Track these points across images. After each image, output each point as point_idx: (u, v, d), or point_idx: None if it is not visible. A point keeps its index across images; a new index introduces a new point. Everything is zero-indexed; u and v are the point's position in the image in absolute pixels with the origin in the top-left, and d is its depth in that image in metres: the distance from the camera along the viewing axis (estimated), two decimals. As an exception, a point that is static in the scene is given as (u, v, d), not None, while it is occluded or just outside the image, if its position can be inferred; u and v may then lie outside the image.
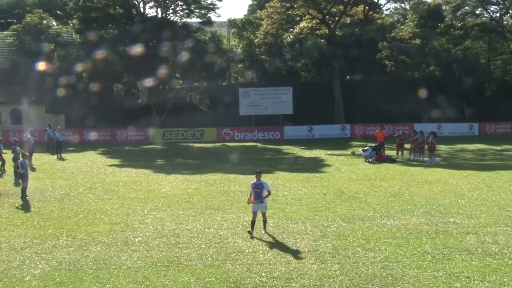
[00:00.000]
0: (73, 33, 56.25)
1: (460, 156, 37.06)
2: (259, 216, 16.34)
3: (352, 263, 13.59)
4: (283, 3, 53.66)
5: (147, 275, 12.93)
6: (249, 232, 16.07)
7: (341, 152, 39.07)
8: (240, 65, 62.79)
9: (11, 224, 17.86)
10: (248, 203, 16.90)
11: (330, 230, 16.64)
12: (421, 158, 33.44)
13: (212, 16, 56.61)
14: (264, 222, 16.37)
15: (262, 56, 60.69)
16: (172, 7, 55.28)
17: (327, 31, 56.26)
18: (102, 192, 23.50)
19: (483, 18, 62.54)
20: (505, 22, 61.90)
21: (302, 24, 55.43)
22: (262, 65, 60.40)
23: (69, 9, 55.78)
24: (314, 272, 12.94)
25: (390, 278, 12.56)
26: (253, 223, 16.18)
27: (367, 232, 16.41)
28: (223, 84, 63.21)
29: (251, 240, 15.63)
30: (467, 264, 13.38)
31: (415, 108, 55.40)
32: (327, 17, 55.42)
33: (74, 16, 55.50)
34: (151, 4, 56.15)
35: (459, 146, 42.71)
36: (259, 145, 46.84)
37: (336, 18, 55.93)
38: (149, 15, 56.88)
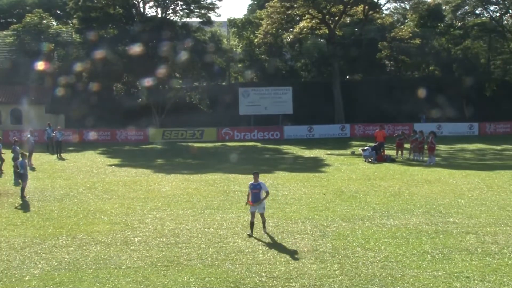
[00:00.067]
0: (73, 33, 56.22)
1: (460, 156, 37.06)
2: (258, 216, 16.33)
3: (352, 263, 13.59)
4: (283, 3, 53.64)
5: (147, 274, 12.93)
6: (249, 235, 15.99)
7: (341, 152, 39.07)
8: (240, 65, 62.79)
9: (11, 224, 17.86)
10: (246, 204, 16.87)
11: (330, 230, 16.65)
12: (421, 158, 33.44)
13: (212, 16, 56.73)
14: (263, 222, 16.34)
15: (262, 56, 60.69)
16: (172, 7, 55.26)
17: (327, 31, 56.24)
18: (102, 192, 23.50)
19: (483, 18, 62.56)
20: (505, 21, 61.91)
21: (302, 24, 55.41)
22: (262, 65, 60.40)
23: (69, 9, 55.78)
24: (313, 272, 12.94)
25: (390, 278, 12.56)
26: (252, 224, 16.15)
27: (366, 232, 16.41)
28: (223, 84, 63.20)
29: (250, 240, 15.63)
30: (467, 264, 13.39)
31: (415, 108, 55.43)
32: (327, 17, 55.40)
33: (74, 16, 55.48)
34: (151, 4, 56.19)
35: (459, 146, 42.71)
36: (259, 145, 46.84)
37: (336, 18, 55.91)
38: (149, 15, 56.90)
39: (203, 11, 55.43)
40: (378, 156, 33.15)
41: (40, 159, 34.81)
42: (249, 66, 61.56)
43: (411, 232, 16.32)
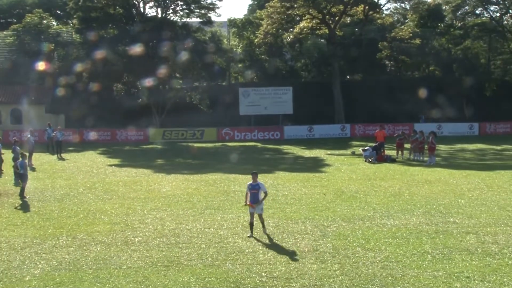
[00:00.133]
0: (73, 33, 56.24)
1: (460, 156, 37.06)
2: (257, 217, 16.29)
3: (352, 263, 13.58)
4: (283, 3, 53.63)
5: (147, 275, 12.93)
6: (249, 236, 15.94)
7: (341, 152, 39.07)
8: (240, 65, 62.77)
9: (11, 224, 17.86)
10: (244, 205, 16.83)
11: (330, 230, 16.64)
12: (421, 158, 33.45)
13: (212, 16, 56.71)
14: (262, 223, 16.26)
15: (262, 56, 60.68)
16: (172, 7, 55.25)
17: (327, 31, 56.23)
18: (102, 192, 23.50)
19: (483, 18, 62.54)
20: (505, 22, 61.89)
21: (302, 24, 55.40)
22: (262, 65, 60.38)
23: (69, 9, 55.76)
24: (314, 272, 12.94)
25: (390, 278, 12.56)
26: (251, 224, 16.11)
27: (367, 232, 16.41)
28: (223, 84, 63.18)
29: (251, 240, 15.62)
30: (467, 264, 13.39)
31: (415, 108, 55.40)
32: (327, 17, 55.39)
33: (74, 16, 55.47)
34: (151, 4, 56.20)
35: (459, 146, 42.71)
36: (259, 145, 46.83)
37: (336, 18, 55.91)
38: (149, 15, 56.90)
39: (203, 11, 55.44)
40: (378, 156, 33.16)
41: (40, 159, 34.81)
42: (249, 66, 61.55)
43: (412, 232, 16.32)
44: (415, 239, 15.57)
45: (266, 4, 56.07)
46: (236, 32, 63.49)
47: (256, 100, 53.11)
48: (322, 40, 61.20)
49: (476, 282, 12.27)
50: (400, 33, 56.28)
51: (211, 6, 55.23)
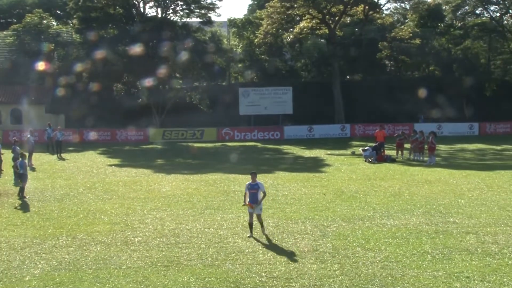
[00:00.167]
0: (73, 33, 56.23)
1: (460, 156, 37.07)
2: (256, 217, 16.26)
3: (352, 263, 13.58)
4: (283, 3, 53.63)
5: (147, 275, 12.93)
6: (248, 236, 15.92)
7: (341, 152, 39.07)
8: (240, 65, 62.77)
9: (11, 224, 17.86)
10: (243, 205, 16.80)
11: (330, 230, 16.64)
12: (421, 158, 33.45)
13: (212, 16, 56.70)
14: (261, 224, 16.21)
15: (262, 56, 60.67)
16: (172, 7, 55.25)
17: (327, 31, 56.23)
18: (102, 192, 23.50)
19: (483, 18, 62.54)
20: (505, 21, 61.90)
21: (302, 24, 55.39)
22: (262, 65, 60.38)
23: (69, 9, 55.77)
24: (314, 272, 12.94)
25: (390, 278, 12.56)
26: (250, 225, 16.08)
27: (367, 232, 16.41)
28: (223, 84, 63.19)
29: (251, 240, 15.62)
30: (467, 264, 13.38)
31: (415, 108, 55.42)
32: (327, 17, 55.39)
33: (74, 16, 55.47)
34: (151, 4, 56.21)
35: (459, 146, 42.71)
36: (259, 145, 46.84)
37: (336, 18, 55.90)
38: (149, 15, 56.90)
39: (203, 11, 55.44)
40: (378, 156, 33.16)
41: (40, 159, 34.82)
42: (249, 66, 61.55)
43: (411, 232, 16.32)
44: (415, 239, 15.57)
45: (266, 4, 56.07)
46: (236, 32, 63.49)
47: (256, 100, 53.11)
48: (322, 40, 61.20)
49: (476, 282, 12.27)
50: (400, 33, 56.28)
51: (211, 6, 55.25)
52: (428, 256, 14.04)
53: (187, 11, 55.43)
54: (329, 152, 39.04)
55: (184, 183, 25.68)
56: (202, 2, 55.01)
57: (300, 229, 16.76)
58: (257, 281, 12.44)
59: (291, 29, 57.71)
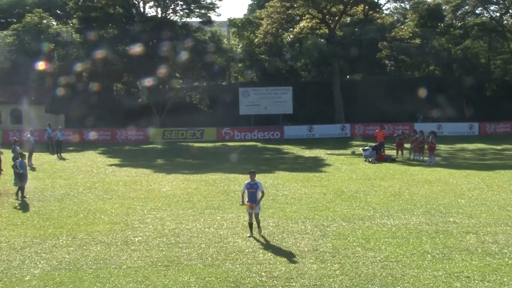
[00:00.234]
0: (73, 32, 56.20)
1: (460, 156, 37.07)
2: (254, 216, 16.24)
3: (352, 262, 13.58)
4: (283, 3, 53.62)
5: (147, 274, 12.93)
6: (248, 236, 15.90)
7: (341, 151, 39.08)
8: (240, 65, 62.78)
9: (11, 224, 17.86)
10: (240, 204, 16.76)
11: (330, 230, 16.64)
12: (421, 157, 33.45)
13: (212, 15, 56.71)
14: (258, 223, 16.09)
15: (262, 56, 60.67)
16: (172, 6, 55.27)
17: (327, 30, 56.23)
18: (102, 191, 23.50)
19: (483, 18, 62.57)
20: (505, 21, 61.91)
21: (302, 23, 55.38)
22: (262, 65, 60.37)
23: (69, 9, 55.79)
24: (314, 272, 12.94)
25: (390, 277, 12.55)
26: (250, 225, 16.06)
27: (367, 231, 16.41)
28: (223, 83, 63.20)
29: (251, 240, 15.62)
30: (467, 264, 13.38)
31: (415, 108, 55.44)
32: (327, 16, 55.38)
33: (74, 16, 55.49)
34: (151, 3, 56.22)
35: (459, 145, 42.72)
36: (259, 144, 46.84)
37: (336, 18, 55.89)
38: (149, 15, 56.93)
39: (203, 11, 55.45)
40: (378, 156, 33.16)
41: (40, 159, 34.82)
42: (249, 66, 61.56)
43: (411, 232, 16.32)
44: (415, 239, 15.57)
45: (266, 4, 56.06)
46: (236, 32, 63.48)
47: (256, 100, 53.12)
48: (322, 40, 61.20)
49: (476, 282, 12.27)
50: (400, 33, 56.27)
51: (211, 6, 55.27)
52: (428, 256, 14.04)
53: (187, 11, 55.46)
54: (329, 152, 39.05)
55: (184, 183, 25.68)
56: (202, 2, 55.02)
57: (300, 229, 16.76)
58: (257, 281, 12.44)
59: (291, 29, 57.71)
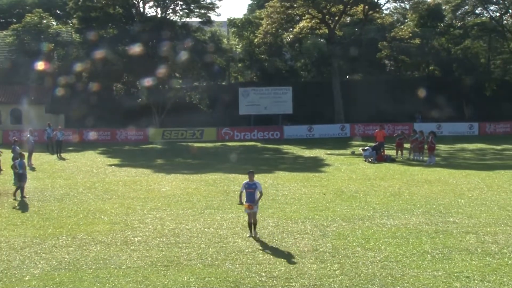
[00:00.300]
0: (73, 32, 56.20)
1: (460, 156, 37.07)
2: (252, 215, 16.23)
3: (352, 262, 13.58)
4: (282, 3, 53.61)
5: (146, 274, 12.93)
6: (248, 236, 15.87)
7: (341, 151, 39.08)
8: (239, 65, 62.79)
9: (11, 224, 17.86)
10: (238, 204, 16.72)
11: (330, 230, 16.64)
12: (421, 157, 33.45)
13: (212, 15, 56.70)
14: (255, 224, 16.01)
15: (262, 56, 60.67)
16: (172, 6, 55.28)
17: (327, 30, 56.22)
18: (102, 191, 23.50)
19: (483, 18, 62.59)
20: (505, 21, 61.92)
21: (302, 23, 55.37)
22: (261, 65, 60.39)
23: (69, 9, 55.79)
24: (313, 272, 12.94)
25: (389, 277, 12.55)
26: (250, 225, 16.06)
27: (367, 231, 16.41)
28: (223, 83, 63.19)
29: (250, 240, 15.62)
30: (467, 264, 13.38)
31: (415, 108, 55.44)
32: (326, 16, 55.38)
33: (74, 16, 55.49)
34: (151, 3, 56.20)
35: (459, 145, 42.71)
36: (259, 144, 46.84)
37: (336, 18, 55.88)
38: (149, 15, 56.95)
39: (203, 11, 55.46)
40: (378, 156, 33.16)
41: (40, 159, 34.82)
42: (249, 66, 61.58)
43: (411, 232, 16.32)
44: (415, 239, 15.57)
45: (266, 4, 56.06)
46: (235, 32, 63.47)
47: (256, 100, 53.12)
48: (321, 40, 61.19)
49: (476, 282, 12.27)
50: (400, 33, 56.25)
51: (210, 6, 55.28)
52: (428, 256, 14.04)
53: (186, 11, 55.46)
54: (329, 152, 39.05)
55: (184, 183, 25.68)
56: (202, 2, 55.02)
57: (300, 229, 16.76)
58: (257, 281, 12.44)
59: (291, 29, 57.70)
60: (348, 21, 59.68)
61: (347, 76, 64.67)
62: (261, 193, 16.09)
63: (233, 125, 52.34)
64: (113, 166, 31.95)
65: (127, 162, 33.89)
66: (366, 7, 55.06)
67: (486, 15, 62.58)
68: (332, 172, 28.74)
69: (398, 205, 19.98)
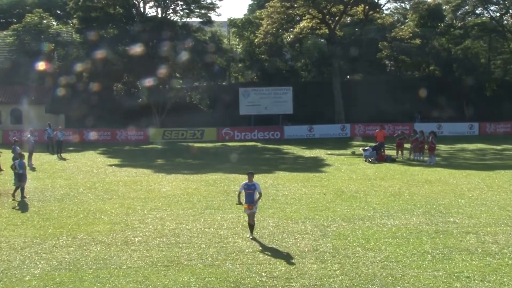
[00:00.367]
0: (73, 32, 56.20)
1: (460, 156, 37.06)
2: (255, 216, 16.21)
3: (352, 262, 13.58)
4: (283, 3, 53.60)
5: (147, 274, 12.93)
6: (249, 237, 15.85)
7: (341, 151, 39.07)
8: (240, 65, 62.77)
9: (11, 224, 17.86)
10: (237, 204, 16.72)
11: (330, 230, 16.64)
12: (421, 157, 33.44)
13: (212, 15, 56.70)
14: (252, 226, 15.95)
15: (262, 56, 60.65)
16: (172, 6, 55.26)
17: (327, 30, 56.22)
18: (102, 191, 23.50)
19: (483, 18, 62.58)
20: (505, 21, 61.92)
21: (302, 23, 55.38)
22: (262, 65, 60.36)
23: (69, 9, 55.77)
24: (314, 272, 12.94)
25: (390, 277, 12.56)
26: (250, 226, 16.08)
27: (367, 231, 16.41)
28: (223, 83, 63.17)
29: (251, 240, 15.62)
30: (467, 264, 13.38)
31: (415, 108, 55.40)
32: (327, 16, 55.37)
33: (74, 16, 55.48)
34: (151, 3, 56.21)
35: (459, 145, 42.70)
36: (259, 144, 46.84)
37: (336, 18, 55.88)
38: (149, 15, 56.90)
39: (203, 11, 55.44)
40: (378, 156, 33.16)
41: (40, 159, 34.82)
42: (249, 66, 61.55)
43: (412, 232, 16.32)
44: (415, 239, 15.57)
45: (266, 4, 56.05)
46: (236, 32, 63.46)
47: (256, 100, 53.13)
48: (322, 40, 61.19)
49: (476, 282, 12.27)
50: (400, 33, 56.23)
51: (211, 6, 55.26)
52: (428, 256, 14.04)
53: (187, 11, 55.44)
54: (329, 152, 39.05)
55: (184, 183, 25.68)
56: (202, 2, 55.01)
57: (300, 229, 16.76)
58: (257, 281, 12.44)
59: (291, 29, 57.69)
60: (349, 21, 59.69)
61: (348, 76, 64.63)
62: (260, 194, 16.06)
63: (234, 125, 52.34)
64: (113, 166, 31.95)
65: (128, 162, 33.89)
66: (367, 7, 55.06)
67: (486, 15, 62.60)
68: (333, 172, 28.74)
69: (399, 205, 19.98)
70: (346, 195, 22.12)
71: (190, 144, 47.36)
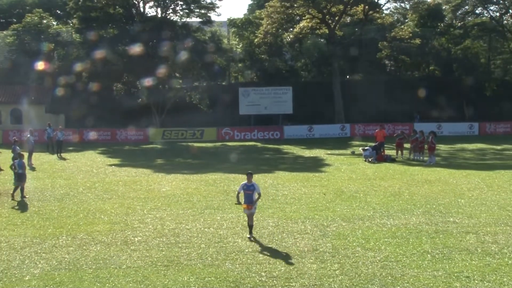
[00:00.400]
0: (73, 32, 56.22)
1: (460, 156, 37.06)
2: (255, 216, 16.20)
3: (352, 262, 13.58)
4: (283, 3, 53.61)
5: (147, 274, 12.93)
6: (249, 238, 15.84)
7: (341, 151, 39.08)
8: (240, 65, 62.77)
9: (11, 224, 17.86)
10: (236, 204, 16.72)
11: (330, 230, 16.64)
12: (421, 157, 33.45)
13: (212, 15, 56.72)
14: (251, 226, 15.95)
15: (262, 56, 60.66)
16: (172, 6, 55.27)
17: (327, 30, 56.24)
18: (102, 191, 23.50)
19: (483, 18, 62.61)
20: (505, 21, 61.94)
21: (302, 23, 55.39)
22: (262, 65, 60.36)
23: (69, 9, 55.76)
24: (313, 272, 12.94)
25: (389, 277, 12.56)
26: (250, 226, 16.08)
27: (367, 231, 16.41)
28: (223, 83, 63.19)
29: (250, 240, 15.61)
30: (467, 264, 13.38)
31: (415, 107, 55.40)
32: (327, 16, 55.39)
33: (74, 16, 55.48)
34: (151, 3, 56.20)
35: (459, 145, 42.71)
36: (259, 144, 46.84)
37: (336, 18, 55.90)
38: (149, 15, 56.91)
39: (203, 11, 55.45)
40: (378, 156, 33.16)
41: (40, 159, 34.82)
42: (249, 66, 61.55)
43: (411, 232, 16.32)
44: (415, 238, 15.57)
45: (266, 4, 56.05)
46: (236, 32, 63.47)
47: (256, 99, 53.14)
48: (322, 40, 61.21)
49: (476, 281, 12.27)
50: (400, 33, 56.24)
51: (211, 6, 55.26)
52: (428, 255, 14.04)
53: (187, 11, 55.44)
54: (329, 152, 39.05)
55: (184, 182, 25.68)
56: (202, 2, 55.01)
57: (300, 229, 16.77)
58: (257, 281, 12.45)
59: (291, 29, 57.70)
60: (348, 21, 59.66)
61: (347, 76, 64.65)
62: (259, 194, 16.06)
63: (233, 125, 52.36)
64: (113, 166, 31.95)
65: (127, 162, 33.90)
66: (366, 7, 55.07)
67: (486, 15, 62.63)
68: (332, 172, 28.74)
69: (398, 205, 19.98)
70: (346, 195, 22.12)
71: (190, 144, 47.37)
